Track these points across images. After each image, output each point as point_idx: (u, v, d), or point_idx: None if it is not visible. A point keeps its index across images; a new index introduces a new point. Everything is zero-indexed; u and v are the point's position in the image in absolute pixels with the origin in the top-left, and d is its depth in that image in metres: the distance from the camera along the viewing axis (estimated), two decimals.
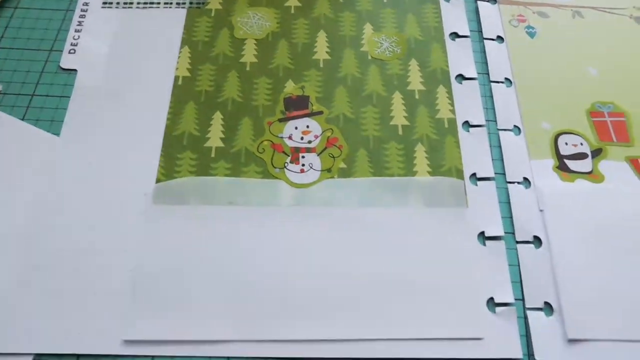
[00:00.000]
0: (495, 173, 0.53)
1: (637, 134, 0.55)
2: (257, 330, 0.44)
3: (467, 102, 0.56)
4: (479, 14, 0.62)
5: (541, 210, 0.50)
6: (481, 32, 0.61)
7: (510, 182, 0.52)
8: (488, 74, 0.58)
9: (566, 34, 0.62)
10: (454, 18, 0.62)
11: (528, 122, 0.56)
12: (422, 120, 0.55)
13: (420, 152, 0.53)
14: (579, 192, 0.52)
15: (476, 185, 0.52)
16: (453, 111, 0.55)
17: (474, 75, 0.58)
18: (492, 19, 0.62)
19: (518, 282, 0.47)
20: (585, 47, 0.61)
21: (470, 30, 0.61)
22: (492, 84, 0.57)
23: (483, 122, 0.55)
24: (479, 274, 0.47)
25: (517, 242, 0.49)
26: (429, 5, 0.63)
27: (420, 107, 0.56)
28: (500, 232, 0.49)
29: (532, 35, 0.62)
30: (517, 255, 0.48)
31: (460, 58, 0.59)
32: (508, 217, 0.50)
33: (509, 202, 0.51)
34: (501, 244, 0.49)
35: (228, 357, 0.43)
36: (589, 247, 0.49)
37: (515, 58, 0.59)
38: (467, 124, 0.55)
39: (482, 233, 0.49)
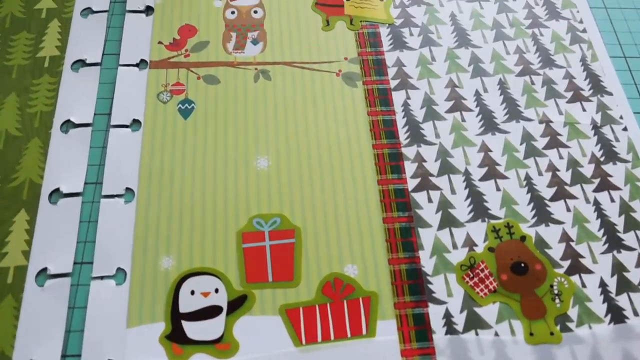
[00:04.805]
0: (71, 356, 0.35)
1: (308, 265, 0.38)
2: None
3: (52, 234, 0.38)
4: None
5: None
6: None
7: None
8: (102, 183, 0.40)
9: (236, 107, 0.43)
10: (78, 97, 0.43)
11: (139, 260, 0.37)
12: None
13: None
14: None
15: None
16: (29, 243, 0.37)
17: (78, 189, 0.40)
18: (132, 93, 0.43)
19: None
20: (261, 127, 0.42)
21: (98, 114, 0.43)
22: (103, 199, 0.39)
23: (69, 270, 0.37)
24: None
25: None
26: (46, 78, 0.44)
27: None
28: None
29: (186, 114, 0.43)
30: None
31: (66, 160, 0.40)
32: None
33: None
34: None
35: None
36: None
37: (149, 154, 0.41)
38: (44, 274, 0.37)
39: None
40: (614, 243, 0.40)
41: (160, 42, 0.45)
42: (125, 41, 0.45)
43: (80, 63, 0.44)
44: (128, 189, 0.39)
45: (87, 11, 0.47)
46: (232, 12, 0.48)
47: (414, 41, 0.47)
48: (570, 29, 0.49)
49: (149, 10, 0.47)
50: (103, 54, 0.45)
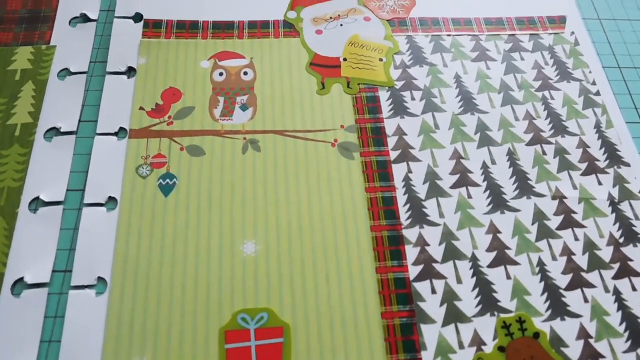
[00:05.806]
0: None
1: None
2: None
3: (12, 333, 0.34)
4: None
5: None
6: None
7: None
8: (71, 271, 0.37)
9: (221, 183, 0.39)
10: (50, 171, 0.39)
11: None
12: None
13: None
14: None
15: None
16: None
17: (45, 279, 0.35)
18: (108, 166, 0.40)
19: None
20: (248, 205, 0.38)
21: (71, 190, 0.40)
22: (71, 291, 0.36)
23: None
24: None
25: None
26: (16, 148, 0.41)
27: None
28: None
29: (167, 190, 0.40)
30: None
31: (33, 245, 0.36)
32: None
33: None
34: None
35: None
36: None
37: (125, 239, 0.37)
38: None
39: None
40: (638, 339, 0.36)
41: (141, 108, 0.42)
42: (103, 107, 0.42)
43: (54, 131, 0.41)
44: (100, 279, 0.36)
45: (65, 72, 0.44)
46: (221, 74, 0.45)
47: (416, 106, 0.44)
48: (583, 91, 0.46)
49: (131, 71, 0.44)
50: (79, 121, 0.42)
